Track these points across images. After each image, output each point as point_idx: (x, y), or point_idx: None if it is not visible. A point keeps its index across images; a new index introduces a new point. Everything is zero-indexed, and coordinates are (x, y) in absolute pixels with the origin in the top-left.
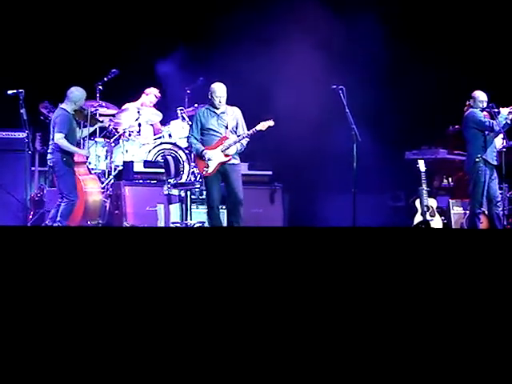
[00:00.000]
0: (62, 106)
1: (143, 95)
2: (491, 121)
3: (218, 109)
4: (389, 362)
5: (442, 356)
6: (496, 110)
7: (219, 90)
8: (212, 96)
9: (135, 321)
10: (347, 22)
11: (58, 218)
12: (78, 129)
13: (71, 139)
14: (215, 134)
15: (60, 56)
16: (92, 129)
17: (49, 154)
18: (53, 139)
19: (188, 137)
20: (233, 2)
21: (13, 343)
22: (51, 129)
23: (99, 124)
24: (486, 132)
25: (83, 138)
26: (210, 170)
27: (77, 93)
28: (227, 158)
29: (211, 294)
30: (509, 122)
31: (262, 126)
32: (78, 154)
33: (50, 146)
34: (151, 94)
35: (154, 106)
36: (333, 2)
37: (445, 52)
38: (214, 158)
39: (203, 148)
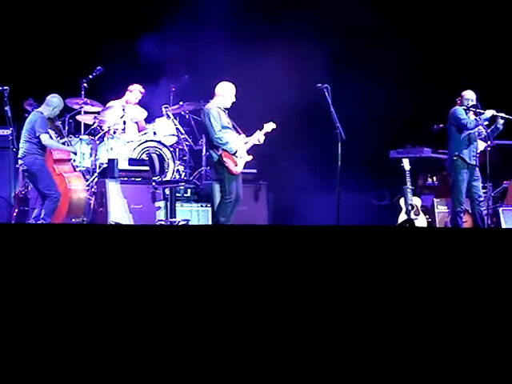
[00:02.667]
0: (39, 109)
1: (127, 92)
2: (468, 119)
3: (227, 108)
4: (377, 362)
5: (429, 356)
6: (479, 111)
7: (233, 89)
8: (229, 94)
9: (118, 317)
10: (329, 18)
11: (42, 216)
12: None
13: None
14: (231, 131)
15: (45, 53)
16: (61, 141)
17: (20, 160)
18: (25, 142)
19: (216, 131)
20: None
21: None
22: (24, 131)
23: (64, 139)
24: (464, 131)
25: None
26: (240, 168)
27: (56, 99)
28: (251, 158)
29: (196, 292)
30: (499, 126)
31: (268, 127)
32: (65, 150)
33: (22, 150)
34: (135, 91)
35: (139, 103)
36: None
37: (432, 50)
38: (243, 156)
39: (236, 147)
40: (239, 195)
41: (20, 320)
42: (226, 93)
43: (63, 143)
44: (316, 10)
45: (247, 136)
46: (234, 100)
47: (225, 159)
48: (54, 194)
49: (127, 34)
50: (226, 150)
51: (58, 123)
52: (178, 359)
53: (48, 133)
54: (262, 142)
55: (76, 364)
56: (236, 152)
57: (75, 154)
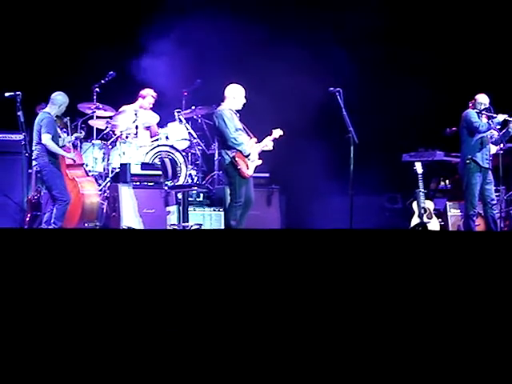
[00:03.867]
0: (46, 110)
1: (140, 99)
2: (480, 122)
3: (238, 110)
4: (384, 362)
5: (439, 356)
6: (491, 115)
7: (243, 90)
8: (239, 96)
9: (131, 322)
10: (341, 21)
11: (53, 220)
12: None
13: (55, 142)
14: (243, 133)
15: (57, 58)
16: (72, 137)
17: (34, 161)
18: (37, 144)
19: (232, 132)
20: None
21: (9, 343)
22: (35, 133)
23: (76, 134)
24: (477, 134)
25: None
26: (251, 172)
27: (60, 97)
28: (261, 162)
29: (209, 296)
30: (511, 130)
31: (276, 134)
32: (66, 157)
33: (35, 152)
34: (148, 96)
35: (151, 108)
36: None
37: (443, 53)
38: (255, 160)
39: (250, 149)
40: (250, 199)
41: (32, 323)
42: (236, 95)
43: (70, 142)
44: (330, 12)
45: (257, 142)
46: (245, 101)
47: (238, 160)
48: (63, 197)
49: (137, 37)
50: (239, 151)
51: (67, 120)
52: (194, 360)
53: (50, 133)
54: (270, 147)
55: (94, 364)
56: (249, 155)
57: (74, 161)
